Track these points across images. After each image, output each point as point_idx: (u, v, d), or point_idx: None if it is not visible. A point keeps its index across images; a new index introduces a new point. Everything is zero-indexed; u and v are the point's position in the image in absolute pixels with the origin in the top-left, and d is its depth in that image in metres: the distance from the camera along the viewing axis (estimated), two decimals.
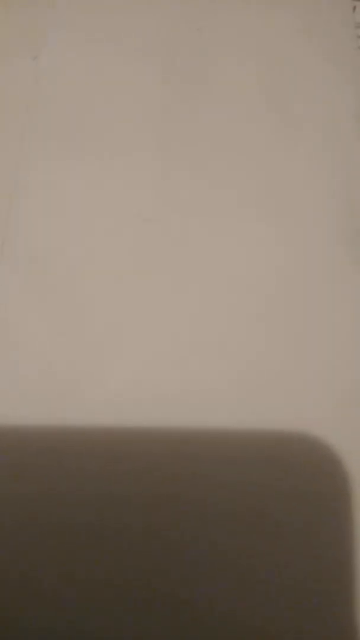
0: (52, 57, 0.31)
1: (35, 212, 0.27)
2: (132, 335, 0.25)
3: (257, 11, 0.32)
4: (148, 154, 0.29)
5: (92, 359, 0.25)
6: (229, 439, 0.24)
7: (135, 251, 0.27)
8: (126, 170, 0.28)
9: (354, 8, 0.33)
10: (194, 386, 0.24)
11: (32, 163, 0.28)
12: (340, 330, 0.26)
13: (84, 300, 0.26)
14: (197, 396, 0.24)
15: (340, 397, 0.24)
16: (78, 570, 0.22)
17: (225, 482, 0.23)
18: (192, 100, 0.30)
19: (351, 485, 0.23)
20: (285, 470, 0.23)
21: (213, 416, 0.24)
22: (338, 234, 0.27)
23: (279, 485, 0.23)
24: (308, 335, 0.25)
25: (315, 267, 0.27)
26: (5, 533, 0.22)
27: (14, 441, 0.23)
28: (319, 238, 0.27)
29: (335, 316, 0.26)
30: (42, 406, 0.24)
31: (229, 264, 0.27)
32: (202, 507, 0.23)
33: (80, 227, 0.27)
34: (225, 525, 0.23)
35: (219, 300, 0.26)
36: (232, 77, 0.30)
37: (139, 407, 0.24)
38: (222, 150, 0.29)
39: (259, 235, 0.27)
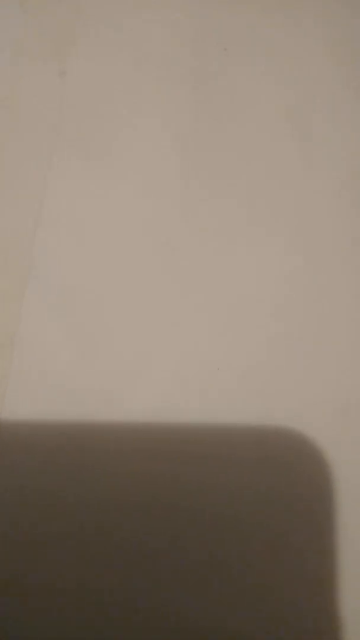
0: (79, 74, 0.32)
1: (61, 236, 0.28)
2: (158, 355, 0.27)
3: (283, 30, 0.33)
4: (173, 174, 0.29)
5: (113, 376, 0.26)
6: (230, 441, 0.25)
7: (160, 272, 0.28)
8: (151, 192, 0.29)
9: None
10: (214, 397, 0.26)
11: (58, 185, 0.29)
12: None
13: (109, 320, 0.27)
14: (215, 404, 0.26)
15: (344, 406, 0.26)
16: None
17: (227, 485, 0.25)
18: (217, 120, 0.31)
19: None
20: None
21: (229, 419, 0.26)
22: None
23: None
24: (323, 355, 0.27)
25: (334, 290, 0.28)
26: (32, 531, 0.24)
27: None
28: (341, 261, 0.28)
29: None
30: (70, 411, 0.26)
31: (250, 288, 0.28)
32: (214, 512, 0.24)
33: (104, 249, 0.28)
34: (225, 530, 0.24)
35: (239, 319, 0.27)
36: (257, 97, 0.31)
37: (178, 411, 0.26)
38: (246, 171, 0.30)
39: (283, 263, 0.28)
